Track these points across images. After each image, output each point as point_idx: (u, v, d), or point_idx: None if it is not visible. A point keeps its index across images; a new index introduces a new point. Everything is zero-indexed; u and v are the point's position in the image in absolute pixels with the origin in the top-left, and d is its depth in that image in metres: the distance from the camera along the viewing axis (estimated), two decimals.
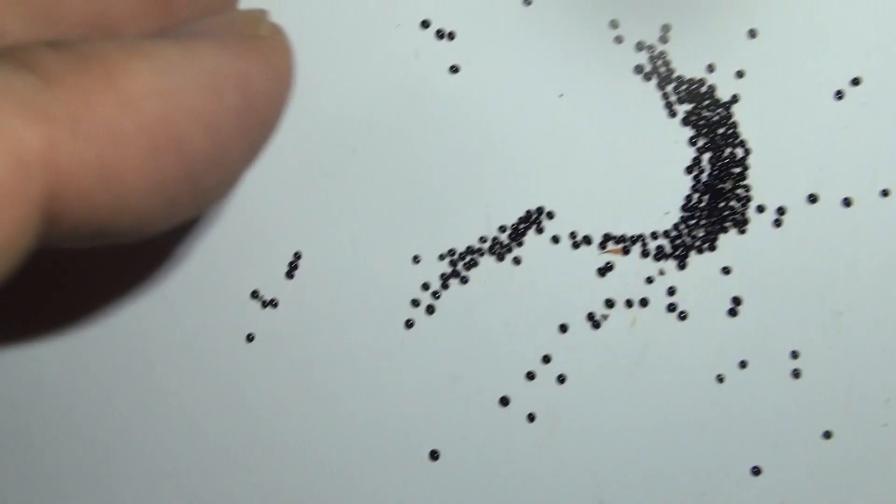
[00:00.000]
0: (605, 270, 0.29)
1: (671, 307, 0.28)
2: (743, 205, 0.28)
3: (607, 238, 0.29)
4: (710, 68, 0.28)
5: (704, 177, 0.28)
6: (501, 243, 0.29)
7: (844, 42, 0.28)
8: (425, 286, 0.29)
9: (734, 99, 0.28)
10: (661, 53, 0.28)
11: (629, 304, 0.29)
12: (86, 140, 0.16)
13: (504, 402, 0.29)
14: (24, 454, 0.30)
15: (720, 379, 0.28)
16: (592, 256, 0.29)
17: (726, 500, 0.28)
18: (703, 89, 0.28)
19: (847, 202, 0.28)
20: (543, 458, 0.29)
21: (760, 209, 0.28)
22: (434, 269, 0.29)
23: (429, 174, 0.29)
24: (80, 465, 0.30)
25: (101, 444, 0.30)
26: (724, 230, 0.28)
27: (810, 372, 0.28)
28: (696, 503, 0.29)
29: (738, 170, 0.28)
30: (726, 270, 0.28)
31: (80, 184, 0.16)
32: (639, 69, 0.28)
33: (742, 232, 0.28)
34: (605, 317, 0.29)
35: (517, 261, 0.29)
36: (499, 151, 0.28)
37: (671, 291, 0.29)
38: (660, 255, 0.28)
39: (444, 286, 0.29)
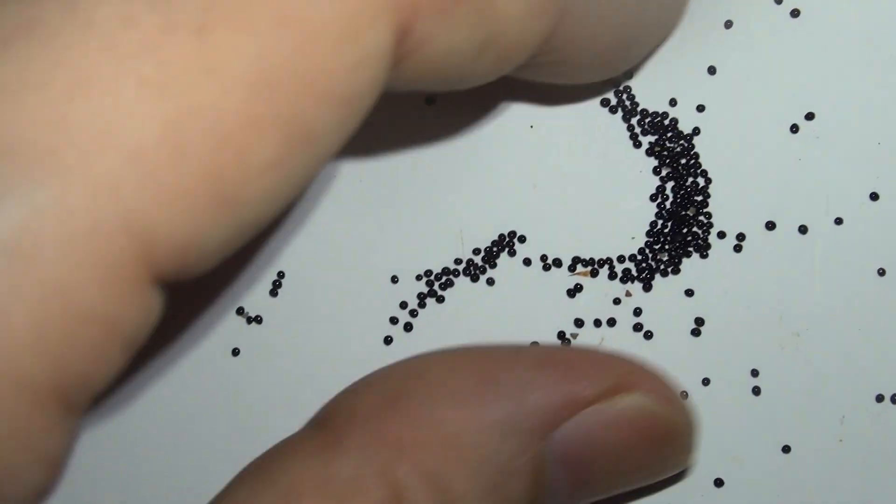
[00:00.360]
0: (574, 292, 0.30)
1: (637, 327, 0.30)
2: (705, 231, 0.30)
3: (576, 261, 0.30)
4: (673, 102, 0.29)
5: (668, 204, 0.30)
6: (476, 265, 0.30)
7: (799, 79, 0.29)
8: (403, 304, 0.30)
9: (695, 131, 0.29)
10: (627, 88, 0.30)
11: (597, 323, 0.30)
12: None
13: None
14: None
15: (684, 395, 0.30)
16: (562, 278, 0.30)
17: None
18: (667, 122, 0.29)
19: (803, 229, 0.29)
20: None
21: (721, 235, 0.29)
22: (412, 289, 0.30)
23: (407, 199, 0.30)
24: (65, 479, 0.31)
25: (86, 458, 0.31)
26: (688, 254, 0.30)
27: (769, 389, 0.29)
28: None
29: (699, 198, 0.29)
30: (689, 293, 0.30)
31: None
32: (605, 102, 0.30)
33: (704, 256, 0.30)
34: (574, 336, 0.30)
35: (490, 282, 0.30)
36: (473, 178, 0.30)
37: (637, 312, 0.30)
38: (626, 277, 0.30)
39: (422, 305, 0.30)
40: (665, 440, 0.24)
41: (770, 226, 0.29)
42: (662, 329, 0.30)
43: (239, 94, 0.15)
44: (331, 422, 0.23)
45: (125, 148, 0.15)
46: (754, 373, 0.29)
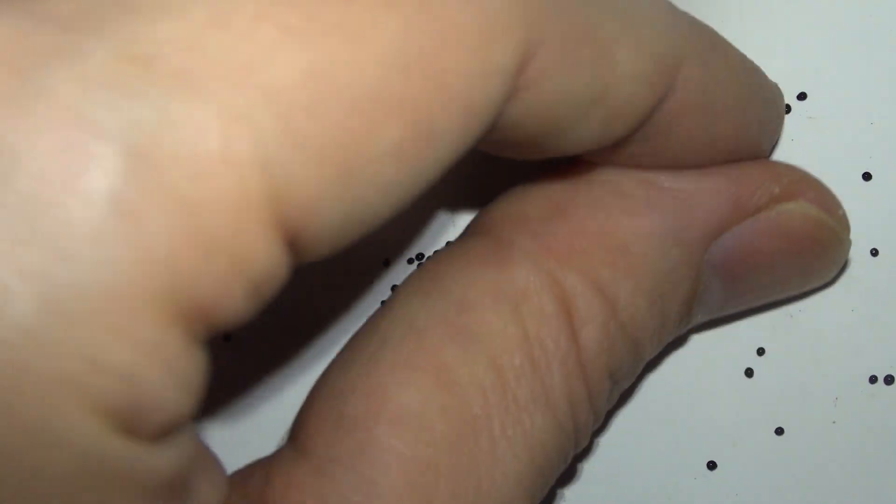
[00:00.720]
0: None
1: None
2: None
3: None
4: None
5: None
6: None
7: (791, 60, 0.29)
8: (394, 288, 0.30)
9: None
10: None
11: None
12: None
13: None
14: None
15: (679, 378, 0.30)
16: None
17: (684, 493, 0.30)
18: None
19: None
20: None
21: None
22: (403, 272, 0.30)
23: None
24: None
25: None
26: None
27: (762, 371, 0.29)
28: (657, 494, 0.30)
29: None
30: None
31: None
32: None
33: None
34: None
35: None
36: (464, 161, 0.30)
37: None
38: None
39: None
40: (823, 249, 0.25)
41: None
42: None
43: (375, 68, 0.15)
44: (497, 228, 0.23)
45: (263, 84, 0.14)
46: (747, 354, 0.29)
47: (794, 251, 0.24)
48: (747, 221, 0.24)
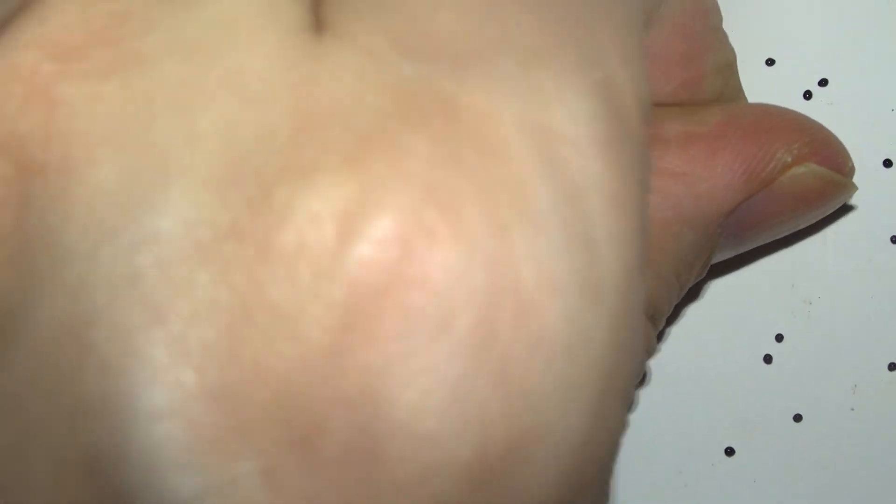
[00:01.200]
0: None
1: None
2: None
3: None
4: None
5: None
6: None
7: (812, 45, 0.29)
8: None
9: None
10: None
11: None
12: None
13: None
14: None
15: (697, 365, 0.30)
16: None
17: (702, 477, 0.30)
18: None
19: None
20: None
21: None
22: None
23: None
24: None
25: None
26: None
27: (781, 357, 0.29)
28: (675, 479, 0.30)
29: None
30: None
31: None
32: None
33: None
34: None
35: None
36: None
37: None
38: None
39: None
40: (831, 201, 0.25)
41: None
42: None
43: None
44: None
45: None
46: (766, 341, 0.29)
47: (805, 209, 0.25)
48: (760, 194, 0.24)
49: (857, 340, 0.29)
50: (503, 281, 0.11)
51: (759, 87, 0.29)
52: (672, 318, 0.30)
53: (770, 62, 0.29)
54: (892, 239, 0.29)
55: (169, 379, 0.11)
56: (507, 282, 0.11)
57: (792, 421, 0.29)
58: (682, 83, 0.24)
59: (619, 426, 0.13)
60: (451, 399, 0.11)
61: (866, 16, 0.28)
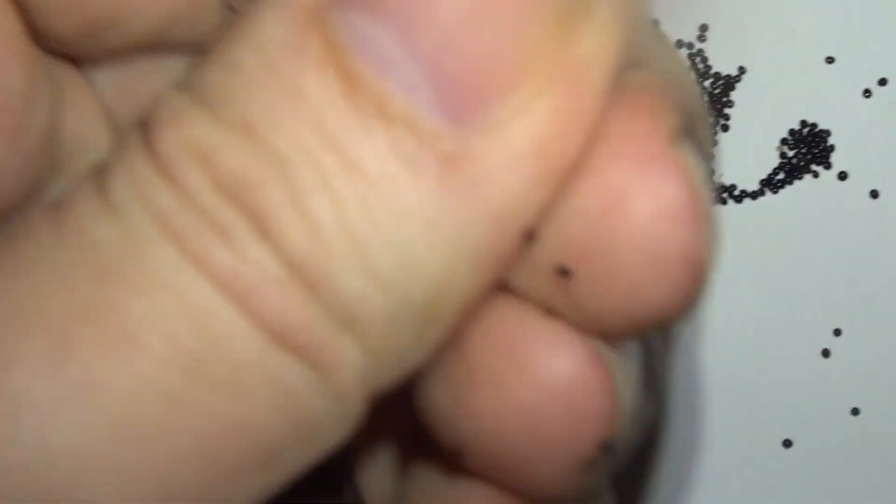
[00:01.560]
0: None
1: None
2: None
3: None
4: (742, 69, 0.30)
5: None
6: None
7: (872, 45, 0.29)
8: None
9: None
10: (700, 51, 0.30)
11: None
12: None
13: None
14: None
15: (757, 357, 0.30)
16: None
17: (759, 469, 0.30)
18: (738, 85, 0.30)
19: (874, 193, 0.29)
20: None
21: None
22: None
23: None
24: None
25: None
26: None
27: (839, 351, 0.30)
28: (733, 471, 0.30)
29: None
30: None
31: None
32: None
33: None
34: None
35: None
36: None
37: None
38: None
39: None
40: None
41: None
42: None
43: None
44: None
45: None
46: (824, 335, 0.30)
47: None
48: None
49: None
50: None
51: (818, 85, 0.29)
52: (729, 314, 0.30)
53: (830, 60, 0.29)
54: None
55: None
56: None
57: (850, 414, 0.30)
58: None
59: None
60: None
61: None
